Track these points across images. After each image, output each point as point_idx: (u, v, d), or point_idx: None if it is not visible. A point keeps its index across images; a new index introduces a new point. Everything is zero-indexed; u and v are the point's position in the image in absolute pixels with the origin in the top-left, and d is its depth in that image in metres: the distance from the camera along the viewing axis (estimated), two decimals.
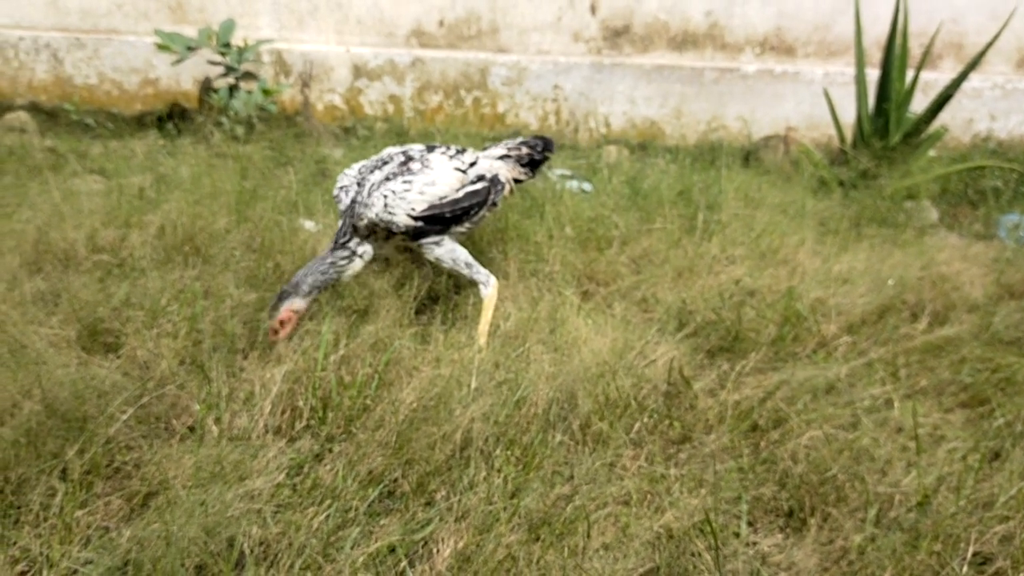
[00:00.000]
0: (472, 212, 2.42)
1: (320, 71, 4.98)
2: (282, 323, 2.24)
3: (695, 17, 4.93)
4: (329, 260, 2.33)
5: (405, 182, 2.34)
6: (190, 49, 4.49)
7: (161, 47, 4.47)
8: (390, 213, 2.29)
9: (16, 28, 5.05)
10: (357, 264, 2.37)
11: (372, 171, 2.42)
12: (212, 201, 3.00)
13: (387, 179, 2.35)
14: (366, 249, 2.37)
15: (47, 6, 5.03)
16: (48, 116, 4.90)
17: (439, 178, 2.38)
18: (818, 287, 2.64)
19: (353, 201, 2.35)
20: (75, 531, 1.64)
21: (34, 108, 4.98)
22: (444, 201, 2.36)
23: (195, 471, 1.73)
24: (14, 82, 5.09)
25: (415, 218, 2.31)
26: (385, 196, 2.30)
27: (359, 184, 2.38)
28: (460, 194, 2.40)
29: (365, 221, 2.32)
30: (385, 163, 2.44)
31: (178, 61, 4.50)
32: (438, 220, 2.35)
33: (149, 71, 5.02)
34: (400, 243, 2.40)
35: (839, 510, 1.78)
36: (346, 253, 2.35)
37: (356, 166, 2.47)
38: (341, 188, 2.41)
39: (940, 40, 4.82)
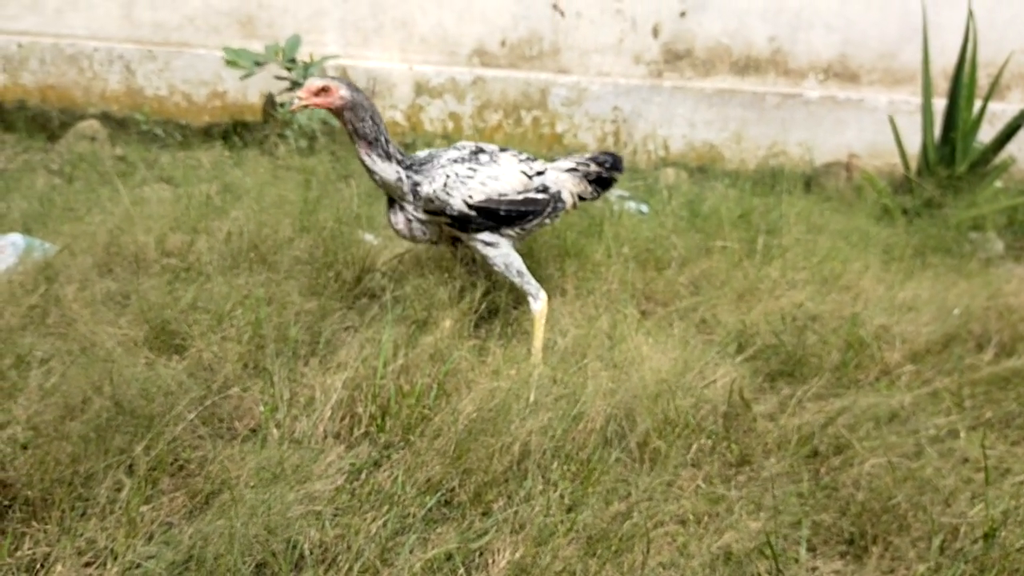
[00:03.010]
0: (527, 218, 2.42)
1: (383, 87, 5.06)
2: (323, 90, 2.22)
3: (758, 42, 4.92)
4: (381, 130, 2.28)
5: (470, 168, 2.35)
6: (257, 65, 4.58)
7: (229, 63, 4.57)
8: (447, 193, 2.30)
9: (91, 39, 5.20)
10: (382, 168, 2.29)
11: (444, 152, 2.43)
12: (277, 210, 3.06)
13: (455, 162, 2.37)
14: (399, 172, 2.31)
15: (121, 18, 5.18)
16: (118, 125, 5.03)
17: (503, 174, 2.39)
18: (882, 314, 2.60)
19: (419, 163, 2.34)
20: (140, 525, 1.67)
21: (105, 117, 5.11)
22: (502, 198, 2.37)
23: (257, 472, 1.76)
24: (87, 91, 5.24)
25: (469, 206, 2.32)
26: (447, 176, 2.31)
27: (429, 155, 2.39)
28: (520, 197, 2.41)
29: (422, 195, 2.32)
30: (457, 150, 2.46)
31: (246, 76, 4.60)
32: (491, 215, 2.35)
33: (217, 84, 5.13)
34: (447, 228, 2.41)
35: (902, 539, 1.75)
36: (387, 156, 2.29)
37: (433, 150, 2.49)
38: (423, 157, 2.39)
39: (1009, 71, 4.74)
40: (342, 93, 2.23)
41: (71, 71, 5.23)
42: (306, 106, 2.25)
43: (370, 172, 2.33)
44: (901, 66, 4.89)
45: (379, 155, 2.30)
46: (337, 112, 2.26)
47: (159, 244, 2.79)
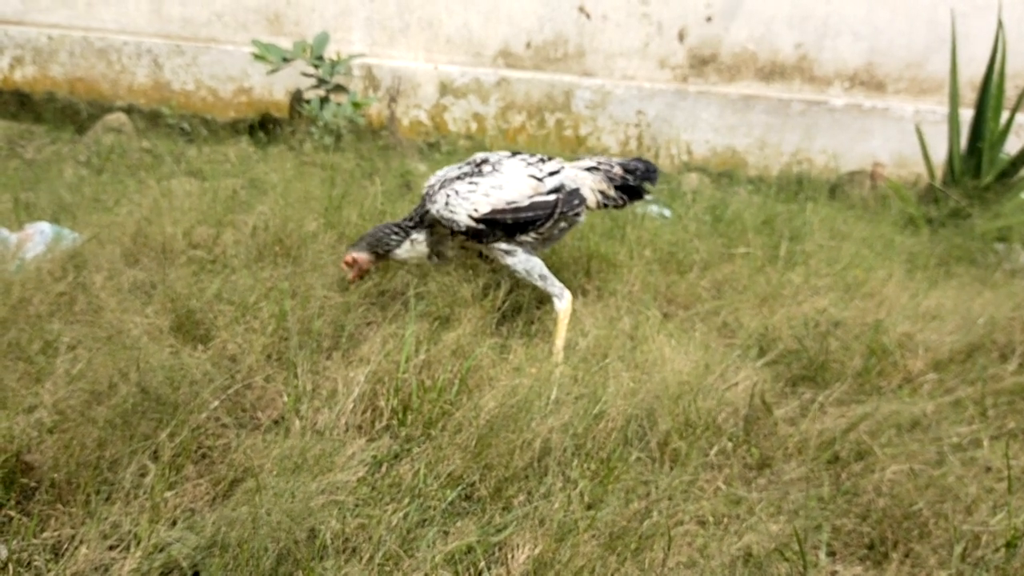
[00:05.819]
0: (537, 223, 2.40)
1: (408, 87, 5.08)
2: (347, 264, 2.49)
3: (784, 49, 4.90)
4: (388, 230, 2.45)
5: (471, 183, 2.37)
6: (285, 60, 4.61)
7: (258, 57, 4.60)
8: (451, 211, 2.33)
9: (121, 33, 5.25)
10: (406, 248, 2.47)
11: (449, 170, 2.51)
12: (302, 206, 3.08)
13: (458, 178, 2.40)
14: (419, 238, 2.45)
15: (151, 13, 5.23)
16: (145, 118, 5.08)
17: (508, 182, 2.39)
18: (905, 322, 2.58)
19: (425, 193, 2.44)
20: (163, 511, 1.68)
21: (132, 110, 5.16)
22: (508, 207, 2.37)
23: (280, 461, 1.77)
24: (115, 84, 5.29)
25: (476, 220, 2.33)
26: (448, 195, 2.35)
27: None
28: (527, 202, 2.40)
29: (429, 215, 2.39)
30: (460, 167, 2.49)
31: (273, 71, 4.63)
32: (499, 225, 2.36)
33: (244, 80, 5.17)
34: (463, 243, 2.43)
35: (923, 546, 1.74)
36: (401, 233, 2.45)
37: (448, 167, 2.53)
38: (429, 186, 2.49)
39: None
40: (356, 256, 2.48)
41: (100, 64, 5.28)
42: (359, 276, 2.54)
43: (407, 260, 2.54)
44: (928, 76, 4.86)
45: (401, 247, 2.47)
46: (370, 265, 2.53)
47: (186, 236, 2.82)
